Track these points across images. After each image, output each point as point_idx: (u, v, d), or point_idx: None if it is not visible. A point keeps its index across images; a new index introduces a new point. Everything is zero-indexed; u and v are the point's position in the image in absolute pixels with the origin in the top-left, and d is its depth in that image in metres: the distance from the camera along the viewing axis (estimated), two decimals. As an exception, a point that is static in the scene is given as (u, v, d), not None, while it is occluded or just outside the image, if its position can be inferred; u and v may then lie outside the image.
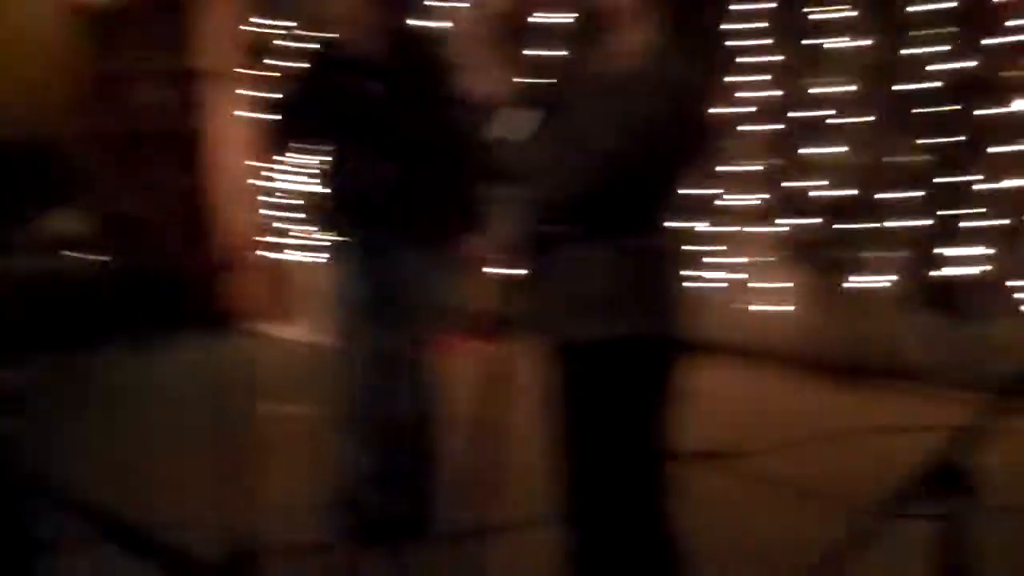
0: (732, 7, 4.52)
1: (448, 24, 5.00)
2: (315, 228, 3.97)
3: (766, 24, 4.52)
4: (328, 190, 3.81)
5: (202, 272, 5.92)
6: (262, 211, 6.41)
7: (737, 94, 4.60)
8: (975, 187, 4.03)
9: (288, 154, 3.95)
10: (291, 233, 6.45)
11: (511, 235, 4.24)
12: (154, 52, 6.85)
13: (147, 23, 6.87)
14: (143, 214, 6.98)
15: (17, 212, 6.35)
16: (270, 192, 6.55)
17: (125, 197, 7.11)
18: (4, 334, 5.73)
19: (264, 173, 6.48)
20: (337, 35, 3.63)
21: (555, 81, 2.12)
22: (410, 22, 3.69)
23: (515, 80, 2.32)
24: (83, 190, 7.10)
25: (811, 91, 4.43)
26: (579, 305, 2.25)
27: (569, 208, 2.19)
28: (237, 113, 6.46)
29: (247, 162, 6.48)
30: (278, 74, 3.52)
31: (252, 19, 6.34)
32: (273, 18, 6.12)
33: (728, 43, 4.54)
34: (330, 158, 3.73)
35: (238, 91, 6.43)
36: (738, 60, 4.56)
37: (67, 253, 6.04)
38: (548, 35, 4.87)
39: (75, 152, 7.22)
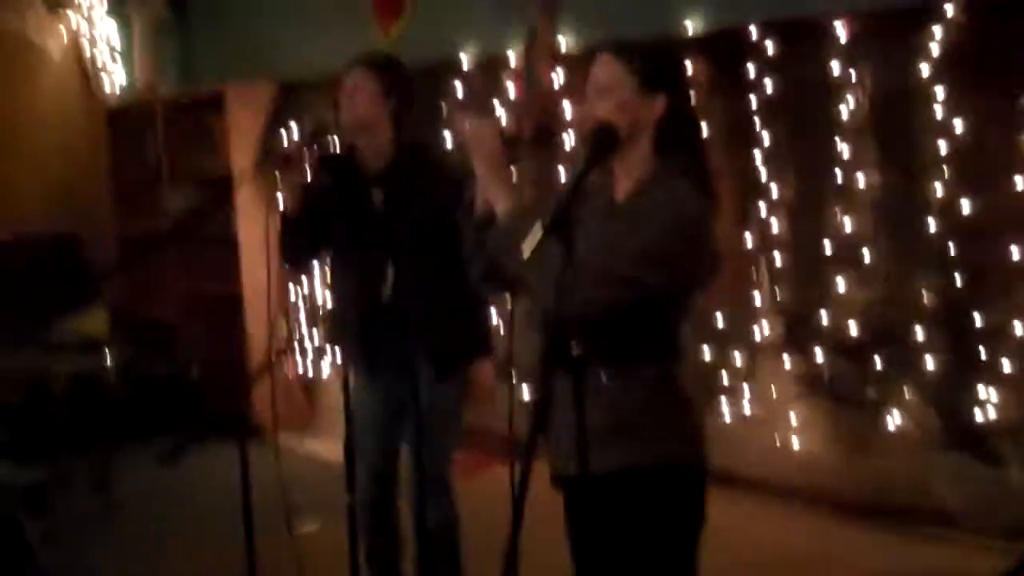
0: (747, 138, 4.58)
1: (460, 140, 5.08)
2: (330, 340, 3.99)
3: (781, 155, 4.56)
4: (332, 303, 3.86)
5: (230, 380, 5.92)
6: (291, 320, 6.44)
7: (754, 225, 4.63)
8: (1008, 330, 3.99)
9: (300, 267, 3.99)
10: (316, 344, 6.48)
11: (524, 355, 4.26)
12: (185, 155, 6.95)
13: (179, 126, 6.98)
14: (170, 318, 7.03)
15: (41, 310, 6.41)
16: (296, 302, 6.59)
17: (152, 300, 7.17)
18: (26, 433, 5.77)
19: (289, 282, 6.54)
20: (343, 144, 3.71)
21: (565, 202, 2.11)
22: (416, 133, 3.75)
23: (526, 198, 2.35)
24: (109, 291, 7.17)
25: (829, 225, 4.44)
26: (597, 433, 2.22)
27: (584, 332, 2.18)
28: (267, 219, 6.55)
29: (276, 269, 6.53)
30: (293, 183, 3.60)
31: (279, 126, 6.49)
32: (299, 126, 6.26)
33: (745, 174, 4.59)
34: (335, 270, 3.78)
35: (269, 197, 6.53)
36: (755, 192, 4.60)
37: (90, 354, 6.08)
38: (559, 156, 4.98)
39: (102, 252, 7.32)
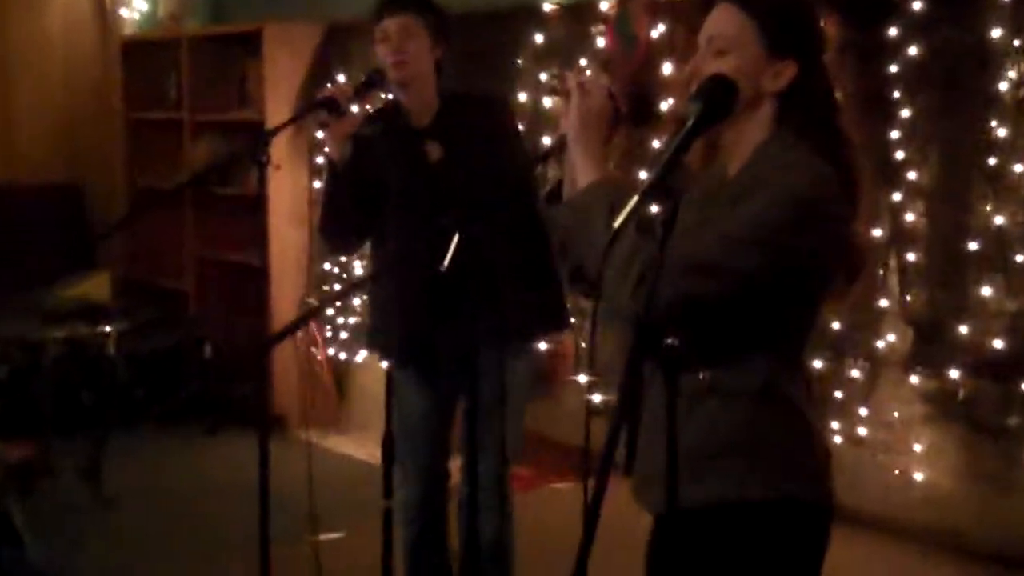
0: (890, 111, 4.52)
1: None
2: (369, 322, 3.97)
3: (923, 134, 4.50)
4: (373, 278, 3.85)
5: (247, 362, 5.93)
6: (320, 297, 6.44)
7: (885, 215, 4.57)
8: None
9: (342, 244, 3.99)
10: (349, 326, 6.46)
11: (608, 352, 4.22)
12: (212, 99, 6.95)
13: (206, 66, 6.99)
14: (182, 286, 7.05)
15: (37, 270, 6.45)
16: (328, 275, 6.58)
17: (162, 264, 7.19)
18: (14, 408, 5.82)
19: (322, 253, 6.52)
20: (392, 95, 3.69)
21: (667, 165, 2.01)
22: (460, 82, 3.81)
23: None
24: (112, 251, 7.19)
25: (975, 219, 4.37)
26: (693, 456, 2.15)
27: (679, 327, 2.05)
28: (299, 177, 6.55)
29: (308, 235, 6.53)
30: (339, 134, 3.60)
31: (324, 73, 6.47)
32: (347, 74, 6.25)
33: (877, 155, 4.51)
34: (378, 239, 3.75)
35: (302, 151, 6.52)
36: (889, 176, 4.53)
37: (88, 323, 6.10)
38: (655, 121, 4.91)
39: (110, 206, 7.35)
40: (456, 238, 2.74)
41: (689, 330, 2.08)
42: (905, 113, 4.50)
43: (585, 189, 2.27)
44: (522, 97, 5.57)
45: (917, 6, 4.41)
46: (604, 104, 2.32)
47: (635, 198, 1.97)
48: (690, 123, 2.13)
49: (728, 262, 2.14)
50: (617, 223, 1.97)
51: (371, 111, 3.74)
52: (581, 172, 2.30)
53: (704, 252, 2.14)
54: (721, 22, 2.31)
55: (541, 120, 5.36)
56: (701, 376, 2.24)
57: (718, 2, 2.34)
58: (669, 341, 2.01)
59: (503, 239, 3.40)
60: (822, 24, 2.39)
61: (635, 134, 5.13)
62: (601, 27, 5.30)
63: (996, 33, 4.23)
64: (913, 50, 4.45)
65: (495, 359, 3.50)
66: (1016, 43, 4.20)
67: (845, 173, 2.26)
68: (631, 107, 2.44)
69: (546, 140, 5.22)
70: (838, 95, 2.36)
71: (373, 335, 3.85)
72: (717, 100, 2.20)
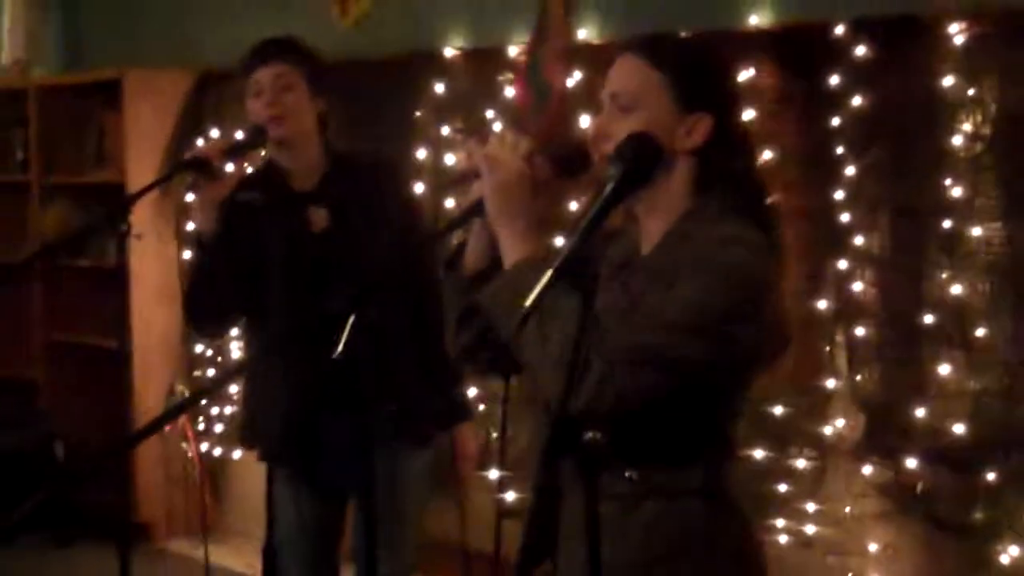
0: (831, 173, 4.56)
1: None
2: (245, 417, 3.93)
3: (871, 194, 4.54)
4: (249, 367, 3.82)
5: (107, 463, 5.84)
6: (192, 386, 6.37)
7: (830, 285, 4.61)
8: None
9: (211, 326, 3.96)
10: (224, 417, 6.40)
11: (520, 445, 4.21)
12: (64, 158, 6.88)
13: (57, 120, 6.93)
14: (29, 375, 6.94)
15: None
16: (201, 359, 6.53)
17: (6, 350, 7.07)
18: None
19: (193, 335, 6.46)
20: (270, 156, 3.69)
21: (582, 237, 2.07)
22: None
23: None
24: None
25: (931, 289, 4.41)
26: (621, 568, 2.17)
27: (601, 423, 2.08)
28: (166, 248, 6.50)
29: (176, 314, 6.47)
30: (211, 199, 3.58)
31: (195, 128, 6.45)
32: (221, 129, 6.23)
33: (821, 218, 4.57)
34: (254, 322, 3.72)
35: (169, 218, 6.47)
36: (833, 241, 4.58)
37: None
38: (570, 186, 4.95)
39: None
40: (350, 320, 2.73)
41: (618, 424, 2.10)
42: (850, 171, 4.54)
43: (512, 268, 2.28)
44: (421, 154, 5.58)
45: (861, 51, 4.46)
46: (522, 172, 2.33)
47: (549, 272, 1.98)
48: (610, 188, 2.16)
49: (670, 351, 2.17)
50: (529, 300, 1.98)
51: (248, 173, 3.72)
52: (507, 249, 2.31)
53: (644, 341, 2.17)
54: (625, 76, 2.35)
55: (442, 179, 5.37)
56: (628, 475, 2.24)
57: (620, 54, 2.37)
58: (589, 435, 2.02)
59: (398, 319, 3.40)
60: (749, 71, 2.43)
61: (560, 193, 5.14)
62: (510, 75, 5.34)
63: (948, 82, 4.30)
64: (858, 100, 4.50)
65: (389, 456, 3.48)
66: (970, 92, 4.28)
67: (768, 239, 2.30)
68: (558, 164, 2.45)
69: (449, 202, 5.24)
70: (774, 153, 2.41)
71: (249, 429, 3.81)
72: (640, 162, 2.23)
